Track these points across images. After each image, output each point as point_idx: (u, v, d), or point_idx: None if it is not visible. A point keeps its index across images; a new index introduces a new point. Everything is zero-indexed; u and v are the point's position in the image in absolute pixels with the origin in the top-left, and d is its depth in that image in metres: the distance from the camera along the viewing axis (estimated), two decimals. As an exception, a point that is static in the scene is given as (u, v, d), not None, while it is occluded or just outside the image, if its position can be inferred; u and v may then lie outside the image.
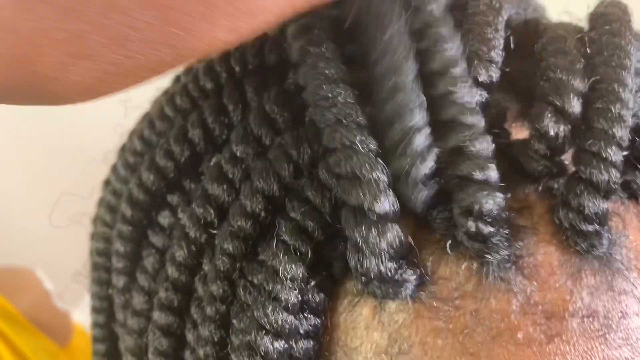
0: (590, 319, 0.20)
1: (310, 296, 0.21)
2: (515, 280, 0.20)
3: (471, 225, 0.19)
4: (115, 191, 0.27)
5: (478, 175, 0.19)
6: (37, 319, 0.53)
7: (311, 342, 0.22)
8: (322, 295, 0.21)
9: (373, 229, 0.19)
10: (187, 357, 0.24)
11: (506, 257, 0.20)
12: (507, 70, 0.23)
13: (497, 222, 0.19)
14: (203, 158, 0.25)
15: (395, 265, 0.20)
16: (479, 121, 0.20)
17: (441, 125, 0.20)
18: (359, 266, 0.20)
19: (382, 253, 0.19)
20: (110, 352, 0.28)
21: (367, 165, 0.19)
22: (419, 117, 0.19)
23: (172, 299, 0.24)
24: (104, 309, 0.28)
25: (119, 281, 0.26)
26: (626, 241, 0.21)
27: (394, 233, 0.19)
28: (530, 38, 0.23)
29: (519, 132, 0.23)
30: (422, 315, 0.20)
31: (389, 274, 0.20)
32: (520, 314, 0.20)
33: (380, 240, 0.19)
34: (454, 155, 0.20)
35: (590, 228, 0.20)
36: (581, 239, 0.20)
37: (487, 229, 0.19)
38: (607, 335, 0.20)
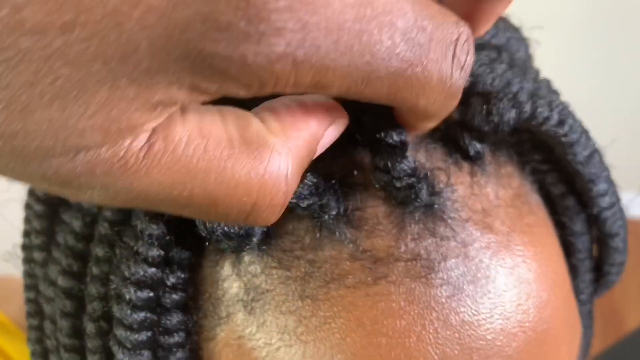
0: (414, 262, 0.22)
1: (175, 253, 0.24)
2: (345, 232, 0.22)
3: (291, 202, 0.22)
4: None
5: None
6: (25, 325, 0.55)
7: (179, 294, 0.24)
8: (186, 252, 0.24)
9: None
10: (85, 315, 0.26)
11: (334, 214, 0.22)
12: None
13: (314, 195, 0.22)
14: None
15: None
16: None
17: None
18: (202, 228, 0.22)
19: None
20: (41, 325, 0.31)
21: None
22: None
23: (72, 264, 0.27)
24: (33, 285, 0.31)
25: (39, 256, 0.29)
26: (453, 194, 0.23)
27: None
28: None
29: None
30: (269, 265, 0.23)
31: (232, 231, 0.22)
32: (350, 260, 0.22)
33: None
34: None
35: (401, 183, 0.22)
36: (397, 192, 0.22)
37: (307, 202, 0.22)
38: (429, 276, 0.22)
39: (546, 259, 0.25)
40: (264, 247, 0.23)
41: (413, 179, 0.22)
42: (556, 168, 0.28)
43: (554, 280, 0.25)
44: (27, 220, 0.31)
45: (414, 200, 0.22)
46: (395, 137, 0.21)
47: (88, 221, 0.26)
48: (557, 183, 0.28)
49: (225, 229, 0.22)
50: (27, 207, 0.31)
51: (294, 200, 0.22)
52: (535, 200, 0.27)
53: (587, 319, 0.34)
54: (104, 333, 0.25)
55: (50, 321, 0.29)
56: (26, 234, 0.31)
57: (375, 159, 0.22)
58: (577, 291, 0.32)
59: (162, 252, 0.23)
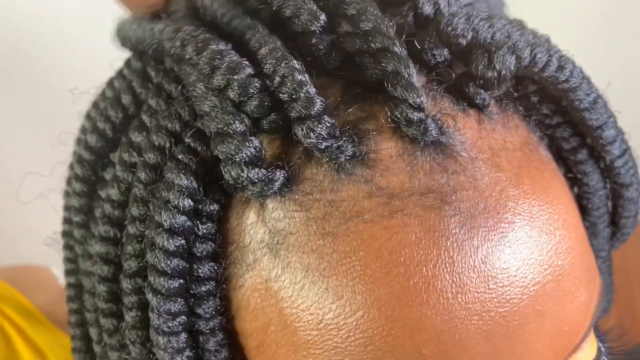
0: (427, 195, 0.24)
1: (204, 205, 0.26)
2: (361, 172, 0.24)
3: (311, 142, 0.24)
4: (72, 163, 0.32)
5: (302, 113, 0.23)
6: (53, 315, 0.56)
7: (209, 244, 0.26)
8: (215, 205, 0.26)
9: (230, 145, 0.24)
10: (121, 274, 0.28)
11: (350, 156, 0.24)
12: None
13: (332, 136, 0.23)
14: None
15: (259, 170, 0.24)
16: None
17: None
18: (228, 176, 0.24)
19: (242, 162, 0.24)
20: (81, 309, 0.32)
21: (221, 102, 0.24)
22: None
23: (109, 230, 0.28)
24: (73, 270, 0.32)
25: (78, 233, 0.31)
26: (462, 137, 0.25)
27: (252, 146, 0.24)
28: None
29: None
30: (291, 209, 0.25)
31: (255, 177, 0.24)
32: (367, 198, 0.24)
33: (237, 153, 0.24)
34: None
35: (415, 116, 0.23)
36: (409, 127, 0.24)
37: (325, 144, 0.23)
38: (441, 207, 0.23)
39: (556, 201, 0.26)
40: (285, 192, 0.25)
41: (422, 114, 0.23)
42: (565, 120, 0.29)
43: (566, 220, 0.26)
44: (66, 207, 0.32)
45: (423, 135, 0.24)
46: (409, 72, 0.23)
47: (123, 189, 0.28)
48: (568, 137, 0.29)
49: (249, 175, 0.24)
50: (66, 194, 0.32)
51: (313, 141, 0.23)
52: (543, 151, 0.28)
53: (608, 275, 0.35)
54: (139, 290, 0.27)
55: (89, 294, 0.30)
56: (65, 220, 0.32)
57: (391, 89, 0.24)
58: (597, 249, 0.33)
59: (191, 203, 0.25)
